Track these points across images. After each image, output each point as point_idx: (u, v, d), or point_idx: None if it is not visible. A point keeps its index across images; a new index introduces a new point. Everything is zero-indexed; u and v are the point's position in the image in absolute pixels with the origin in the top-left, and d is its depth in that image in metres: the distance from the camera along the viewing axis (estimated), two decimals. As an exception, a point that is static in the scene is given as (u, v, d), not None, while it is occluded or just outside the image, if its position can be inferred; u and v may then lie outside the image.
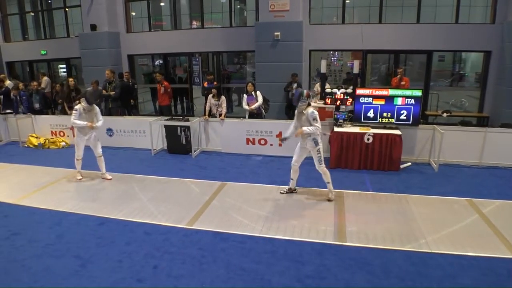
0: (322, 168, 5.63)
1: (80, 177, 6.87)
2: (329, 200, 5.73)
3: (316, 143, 5.56)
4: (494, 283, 3.69)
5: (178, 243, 4.52)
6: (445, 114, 9.77)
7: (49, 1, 14.26)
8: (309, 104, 5.51)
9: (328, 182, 5.74)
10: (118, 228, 4.95)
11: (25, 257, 4.27)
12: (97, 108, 6.72)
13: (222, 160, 8.00)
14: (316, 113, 5.43)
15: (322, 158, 5.63)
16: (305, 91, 5.44)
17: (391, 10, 10.61)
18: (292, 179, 5.99)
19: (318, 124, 5.41)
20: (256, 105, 8.44)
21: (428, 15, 10.32)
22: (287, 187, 6.10)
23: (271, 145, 8.18)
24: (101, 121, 6.71)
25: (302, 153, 5.79)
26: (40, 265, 4.11)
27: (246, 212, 5.39)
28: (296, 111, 5.63)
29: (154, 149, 8.56)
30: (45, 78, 12.10)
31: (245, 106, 8.55)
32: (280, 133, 7.97)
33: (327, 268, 3.96)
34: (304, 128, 5.39)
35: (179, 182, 6.70)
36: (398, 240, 4.52)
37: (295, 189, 6.08)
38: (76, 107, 6.56)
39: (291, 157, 7.48)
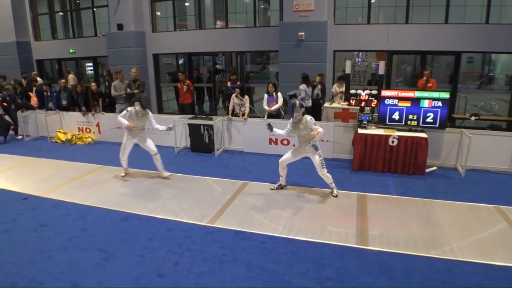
0: (325, 174, 5.79)
1: (124, 174, 6.94)
2: (335, 196, 5.87)
3: (317, 148, 5.70)
4: (523, 294, 3.56)
5: (200, 241, 4.55)
6: (473, 118, 9.49)
7: (78, 1, 14.63)
8: (303, 113, 5.67)
9: (331, 183, 5.89)
10: (142, 223, 5.03)
11: (51, 249, 4.40)
12: (150, 114, 6.67)
13: (244, 160, 8.02)
14: (314, 119, 5.65)
15: (324, 162, 5.76)
16: (297, 102, 5.64)
17: (418, 10, 10.39)
18: (281, 176, 6.15)
19: (319, 128, 5.56)
20: (276, 106, 8.40)
21: (456, 15, 10.05)
22: (277, 184, 6.27)
23: (294, 145, 8.11)
24: (158, 125, 6.61)
25: (296, 156, 5.95)
26: (65, 256, 4.23)
27: (267, 212, 5.38)
28: (291, 121, 5.82)
29: (177, 147, 8.66)
30: (71, 76, 12.37)
31: (265, 107, 8.53)
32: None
33: (348, 272, 3.91)
34: (320, 130, 5.48)
35: (201, 180, 6.75)
36: (422, 245, 4.42)
37: (286, 186, 6.27)
38: (129, 108, 6.54)
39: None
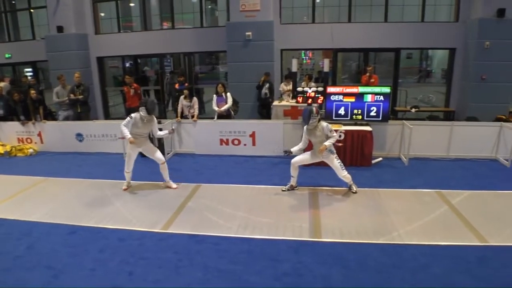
0: (345, 176, 5.81)
1: (125, 187, 6.44)
2: (354, 192, 5.92)
3: (333, 152, 5.72)
4: (464, 271, 3.84)
5: (153, 248, 4.46)
6: (413, 110, 10.06)
7: (13, 1, 13.70)
8: (319, 120, 5.67)
9: (350, 181, 5.92)
10: (91, 236, 4.82)
11: (-6, 271, 4.10)
12: (155, 120, 6.25)
13: (196, 162, 7.94)
14: (330, 125, 5.67)
15: (342, 164, 5.80)
16: (313, 108, 5.58)
17: (360, 9, 10.80)
18: (293, 177, 6.05)
19: (335, 133, 5.66)
20: (225, 107, 8.39)
21: (395, 14, 10.58)
22: (288, 185, 6.15)
23: (245, 145, 8.17)
24: (160, 132, 6.41)
25: (311, 159, 5.93)
26: (10, 278, 3.96)
27: (222, 213, 5.38)
28: (306, 128, 5.74)
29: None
30: (4, 84, 11.49)
31: (215, 107, 8.50)
32: (254, 133, 8.01)
33: (304, 265, 4.01)
34: (327, 143, 5.54)
35: (152, 185, 6.58)
36: (372, 233, 4.64)
37: (297, 187, 6.15)
38: (133, 114, 6.03)
39: (264, 157, 7.51)
